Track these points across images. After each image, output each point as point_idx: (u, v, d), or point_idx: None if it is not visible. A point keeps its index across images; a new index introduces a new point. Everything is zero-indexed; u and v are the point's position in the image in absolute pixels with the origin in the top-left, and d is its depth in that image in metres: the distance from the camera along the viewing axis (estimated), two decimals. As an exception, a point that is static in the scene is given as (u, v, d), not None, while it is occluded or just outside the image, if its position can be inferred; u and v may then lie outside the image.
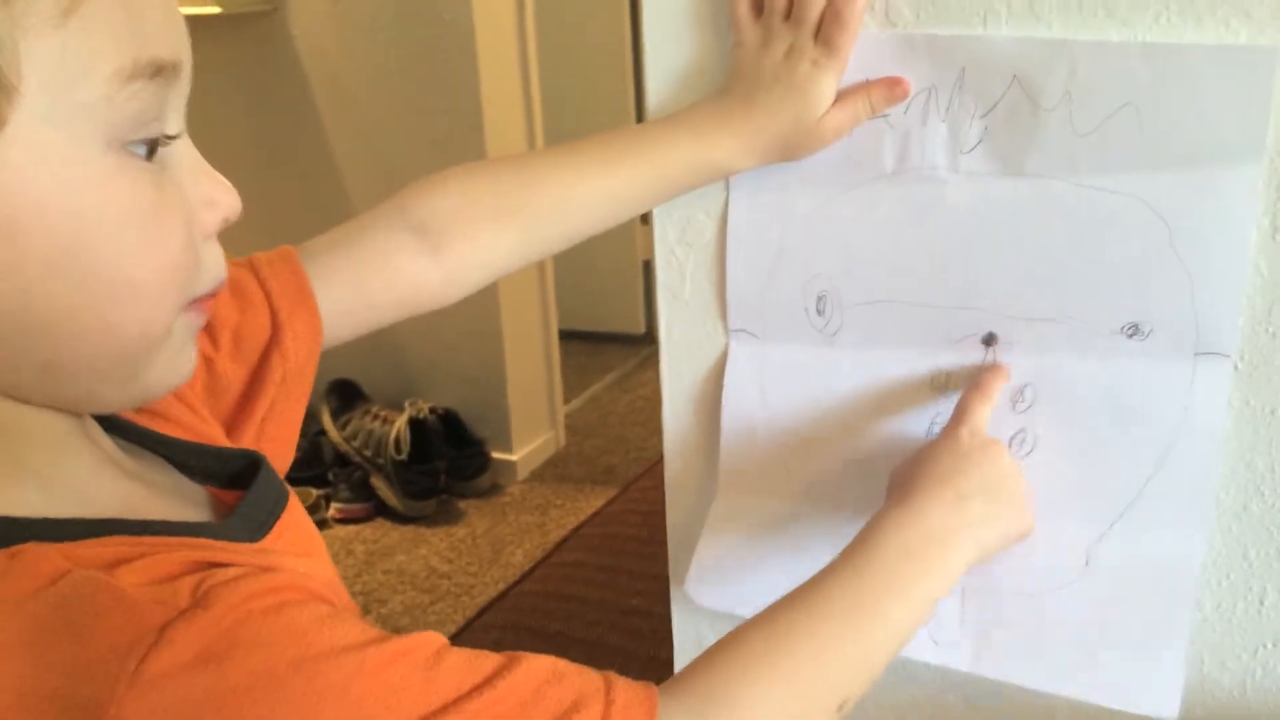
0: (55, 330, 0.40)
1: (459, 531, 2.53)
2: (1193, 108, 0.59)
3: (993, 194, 0.65)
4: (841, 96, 0.66)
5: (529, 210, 0.66)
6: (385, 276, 0.64)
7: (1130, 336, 0.64)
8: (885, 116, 0.67)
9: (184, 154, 0.44)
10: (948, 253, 0.67)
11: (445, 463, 2.61)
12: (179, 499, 0.51)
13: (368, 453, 2.56)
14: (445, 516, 2.59)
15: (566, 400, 3.14)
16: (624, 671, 1.37)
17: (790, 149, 0.67)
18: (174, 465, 0.54)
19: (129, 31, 0.40)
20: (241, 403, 0.60)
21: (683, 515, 0.81)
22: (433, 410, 2.67)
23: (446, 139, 2.62)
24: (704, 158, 0.67)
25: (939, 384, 0.69)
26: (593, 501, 2.60)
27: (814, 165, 0.69)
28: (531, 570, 1.64)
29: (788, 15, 0.65)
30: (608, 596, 1.54)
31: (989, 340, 0.67)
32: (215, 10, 2.46)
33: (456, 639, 1.47)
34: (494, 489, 2.74)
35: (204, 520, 0.50)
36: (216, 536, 0.46)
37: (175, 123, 0.43)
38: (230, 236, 0.48)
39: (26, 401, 0.43)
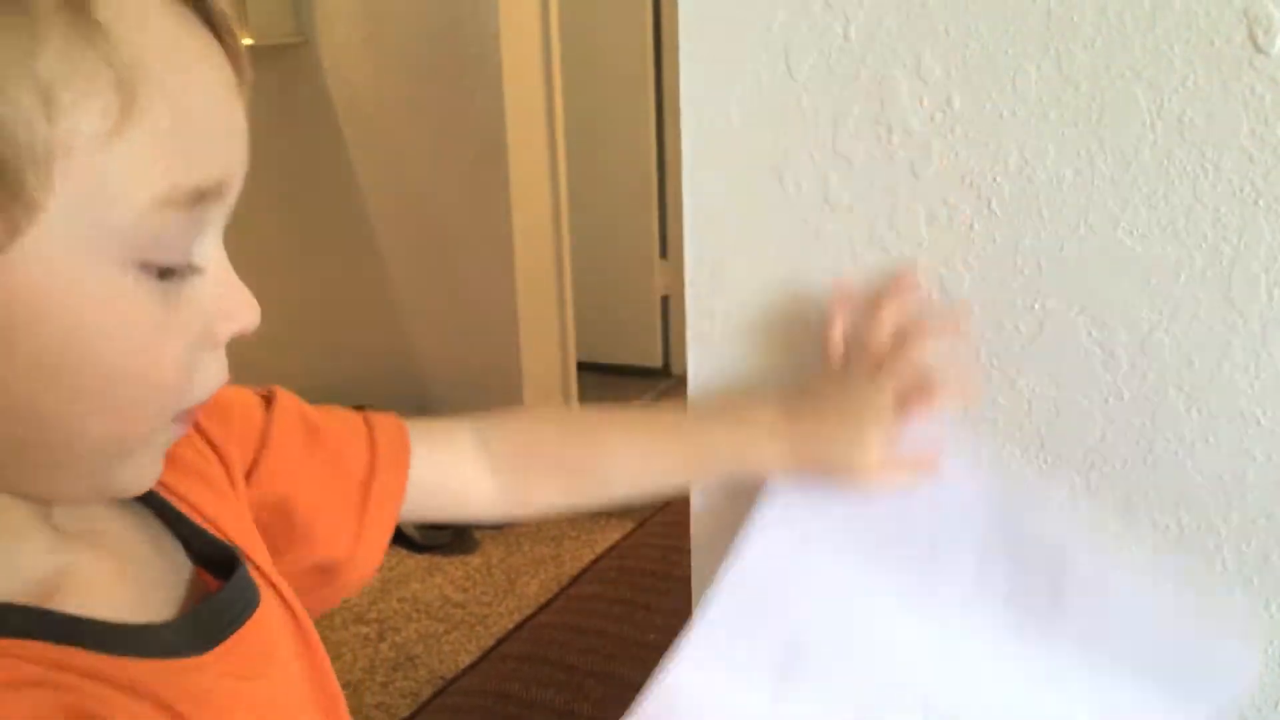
0: (26, 418, 0.39)
1: (474, 561, 2.54)
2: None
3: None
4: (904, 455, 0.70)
5: (582, 471, 0.72)
6: (447, 473, 0.69)
7: None
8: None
9: (213, 261, 0.42)
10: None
11: (462, 492, 2.62)
12: (145, 581, 0.49)
13: (385, 480, 2.57)
14: (460, 546, 2.60)
15: (583, 432, 3.15)
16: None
17: (833, 472, 0.70)
18: (174, 533, 0.52)
19: (178, 154, 0.38)
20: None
21: (708, 557, 0.82)
22: (451, 439, 2.69)
23: (472, 170, 2.66)
24: (744, 457, 0.72)
25: None
26: (607, 534, 2.60)
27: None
28: (549, 602, 1.65)
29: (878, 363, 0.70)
30: (625, 630, 1.54)
31: None
32: (247, 41, 2.50)
33: (474, 669, 1.48)
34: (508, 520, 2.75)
35: (148, 620, 0.46)
36: (119, 647, 0.43)
37: (207, 244, 0.41)
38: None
39: None
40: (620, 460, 0.72)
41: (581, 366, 3.07)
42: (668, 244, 3.74)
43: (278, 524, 0.62)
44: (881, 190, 0.71)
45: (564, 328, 2.93)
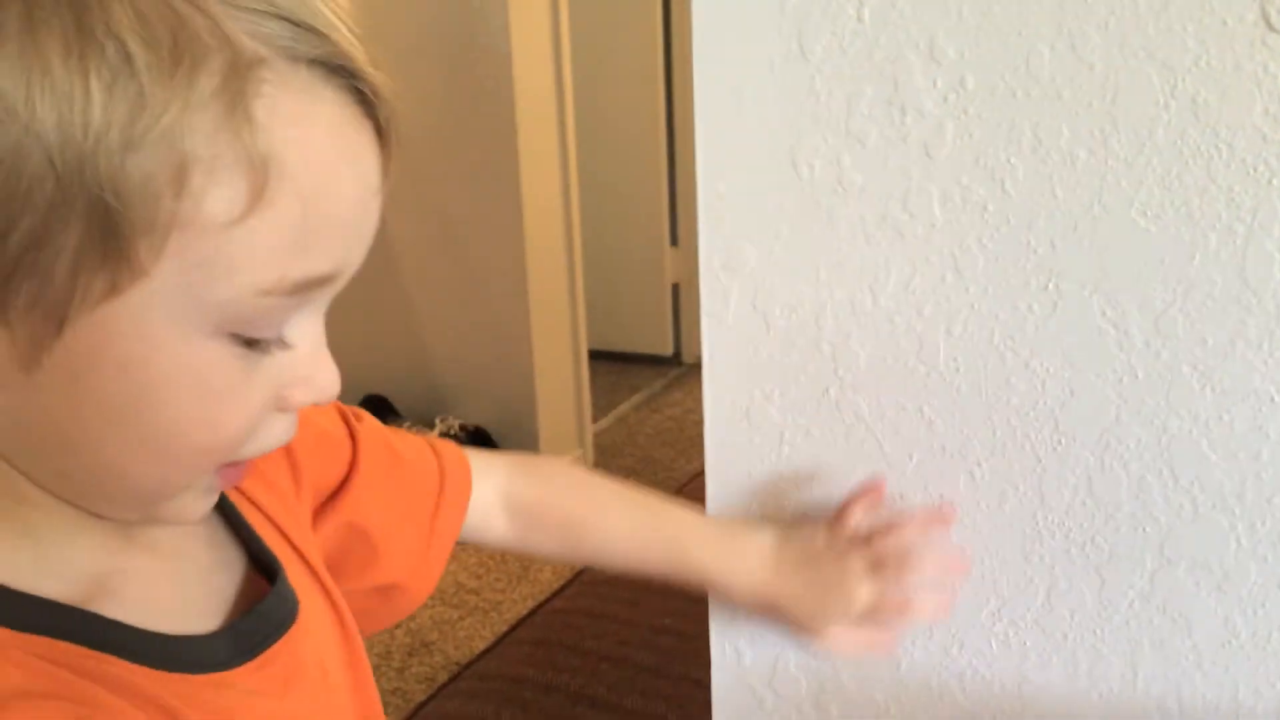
0: (81, 454, 0.39)
1: (488, 549, 2.55)
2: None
3: None
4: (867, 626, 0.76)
5: (580, 537, 0.78)
6: (475, 506, 0.74)
7: None
8: None
9: (306, 336, 0.41)
10: None
11: (475, 479, 2.64)
12: (195, 584, 0.49)
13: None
14: (474, 533, 2.62)
15: (595, 419, 3.16)
16: (657, 691, 1.40)
17: (790, 627, 0.78)
18: (235, 534, 0.52)
19: (296, 247, 0.38)
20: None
21: (722, 535, 0.83)
22: (463, 427, 2.70)
23: (482, 159, 2.66)
24: (719, 583, 0.78)
25: None
26: (620, 521, 2.62)
27: None
28: (563, 588, 1.66)
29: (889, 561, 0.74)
30: (637, 616, 1.55)
31: None
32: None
33: (489, 654, 1.49)
34: (522, 507, 2.76)
35: (190, 628, 0.46)
36: (156, 660, 0.43)
37: (303, 322, 0.41)
38: None
39: (42, 489, 0.41)
40: (614, 538, 0.78)
41: (593, 355, 3.08)
42: (678, 232, 3.74)
43: (356, 547, 0.63)
44: (895, 171, 0.71)
45: (575, 316, 2.93)
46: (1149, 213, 0.65)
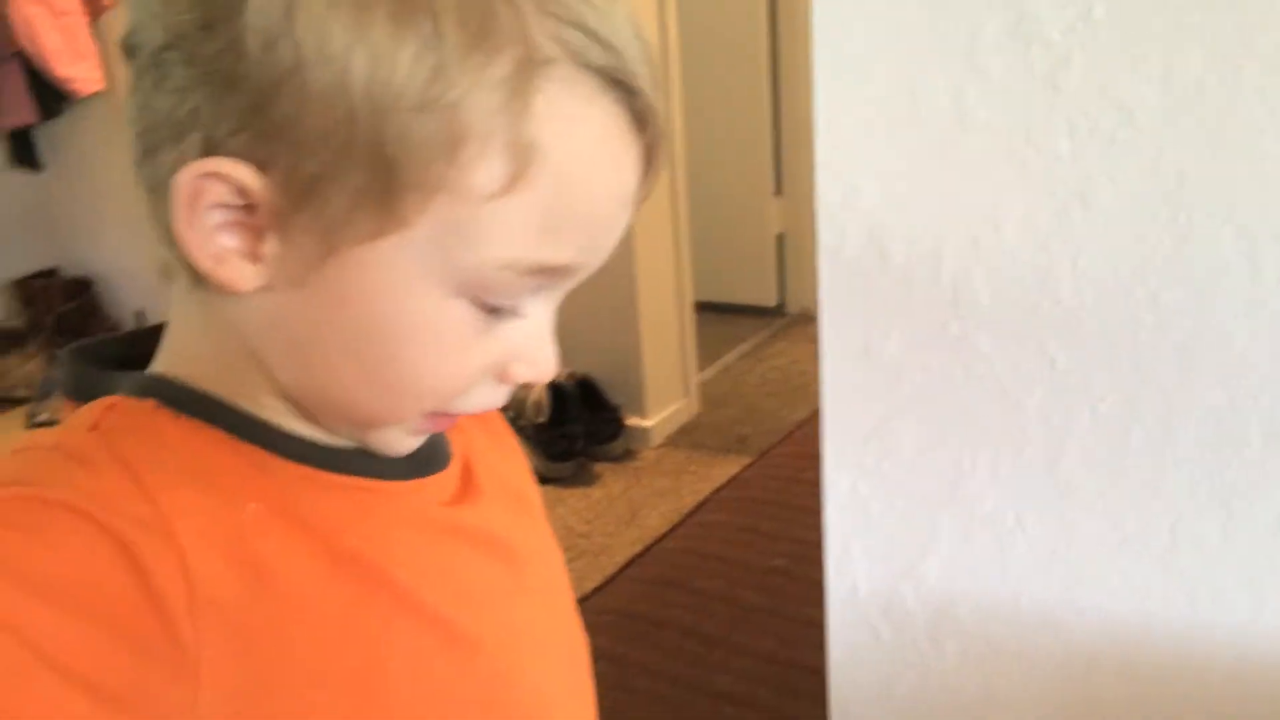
0: (318, 374, 0.43)
1: (595, 493, 2.60)
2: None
3: None
4: None
5: None
6: None
7: None
8: None
9: (530, 316, 0.44)
10: None
11: (582, 427, 2.68)
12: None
13: (509, 415, 2.64)
14: (582, 478, 2.65)
15: (700, 369, 3.17)
16: (767, 628, 1.41)
17: None
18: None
19: (542, 234, 0.40)
20: None
21: (845, 474, 0.84)
22: (570, 376, 2.74)
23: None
24: None
25: None
26: (726, 469, 2.63)
27: None
28: (673, 528, 1.68)
29: None
30: (747, 556, 1.57)
31: None
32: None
33: (599, 592, 1.52)
34: (628, 454, 2.79)
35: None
36: (307, 458, 0.46)
37: (538, 302, 0.44)
38: None
39: (284, 387, 0.44)
40: None
41: (698, 306, 3.09)
42: (782, 181, 3.71)
43: None
44: (1019, 104, 0.71)
45: (680, 266, 2.94)
46: (1288, 141, 0.64)
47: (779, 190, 3.72)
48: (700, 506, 1.74)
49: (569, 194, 0.39)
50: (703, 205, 3.25)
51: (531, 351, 0.44)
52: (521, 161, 0.38)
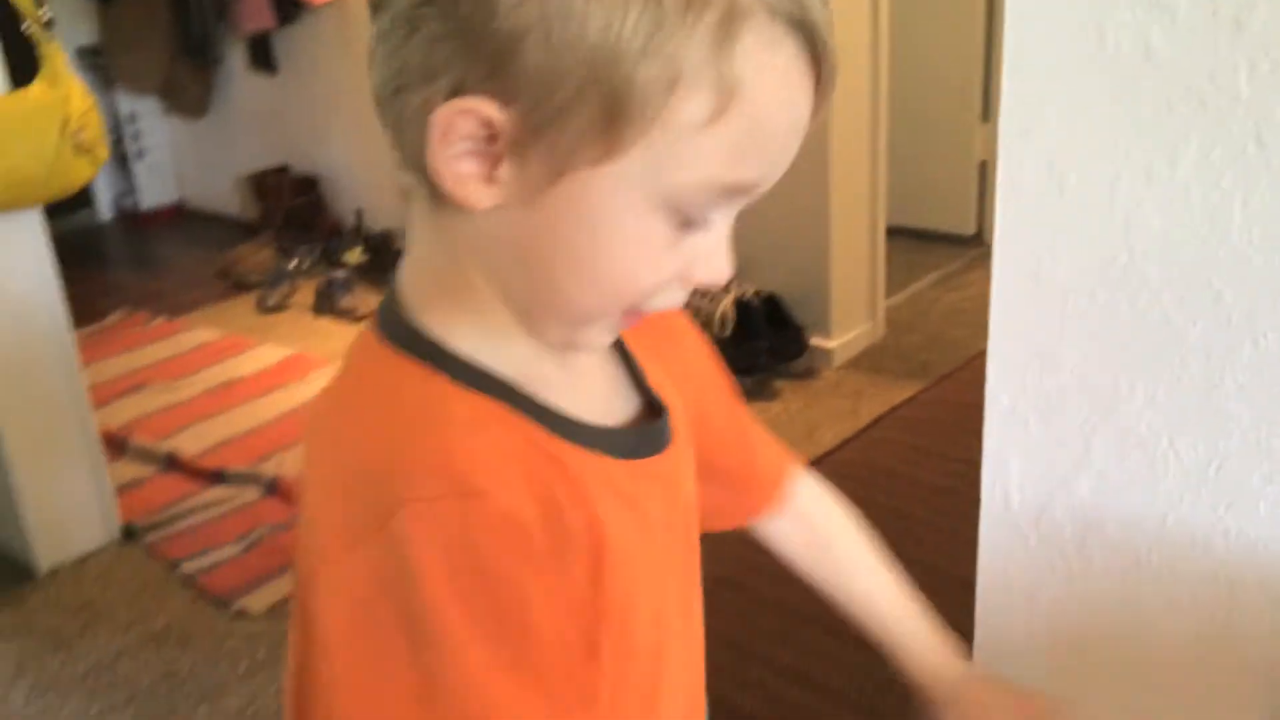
0: (545, 284, 0.51)
1: (774, 408, 2.68)
2: None
3: None
4: None
5: (823, 578, 0.81)
6: (760, 484, 0.78)
7: None
8: None
9: (716, 228, 0.51)
10: None
11: (766, 343, 2.75)
12: (599, 393, 0.59)
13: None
14: (763, 393, 2.73)
15: (888, 295, 3.17)
16: (933, 543, 1.48)
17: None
18: (629, 374, 0.62)
19: (734, 158, 0.47)
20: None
21: (1006, 391, 0.89)
22: (757, 293, 2.80)
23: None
24: (911, 658, 0.79)
25: None
26: (905, 394, 2.66)
27: None
28: (845, 443, 1.75)
29: None
30: (917, 474, 1.63)
31: None
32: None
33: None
34: (810, 373, 2.85)
35: (597, 419, 0.57)
36: (568, 434, 0.54)
37: (721, 215, 0.51)
38: None
39: (506, 298, 0.53)
40: (848, 595, 0.81)
41: (893, 230, 3.08)
42: (990, 107, 3.62)
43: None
44: (1203, 44, 0.73)
45: (876, 189, 2.94)
46: None
47: (986, 116, 3.63)
48: (875, 423, 1.80)
49: (758, 124, 0.47)
50: (906, 128, 3.22)
51: (711, 258, 0.52)
52: (724, 98, 0.45)
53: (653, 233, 0.49)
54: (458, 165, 0.48)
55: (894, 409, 1.84)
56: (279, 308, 3.51)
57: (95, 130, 2.04)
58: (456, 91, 0.46)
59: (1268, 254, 0.75)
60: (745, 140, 0.47)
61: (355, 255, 3.73)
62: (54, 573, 2.17)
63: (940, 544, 1.40)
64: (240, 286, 3.70)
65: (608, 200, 0.48)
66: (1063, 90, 0.80)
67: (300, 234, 3.85)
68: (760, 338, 2.74)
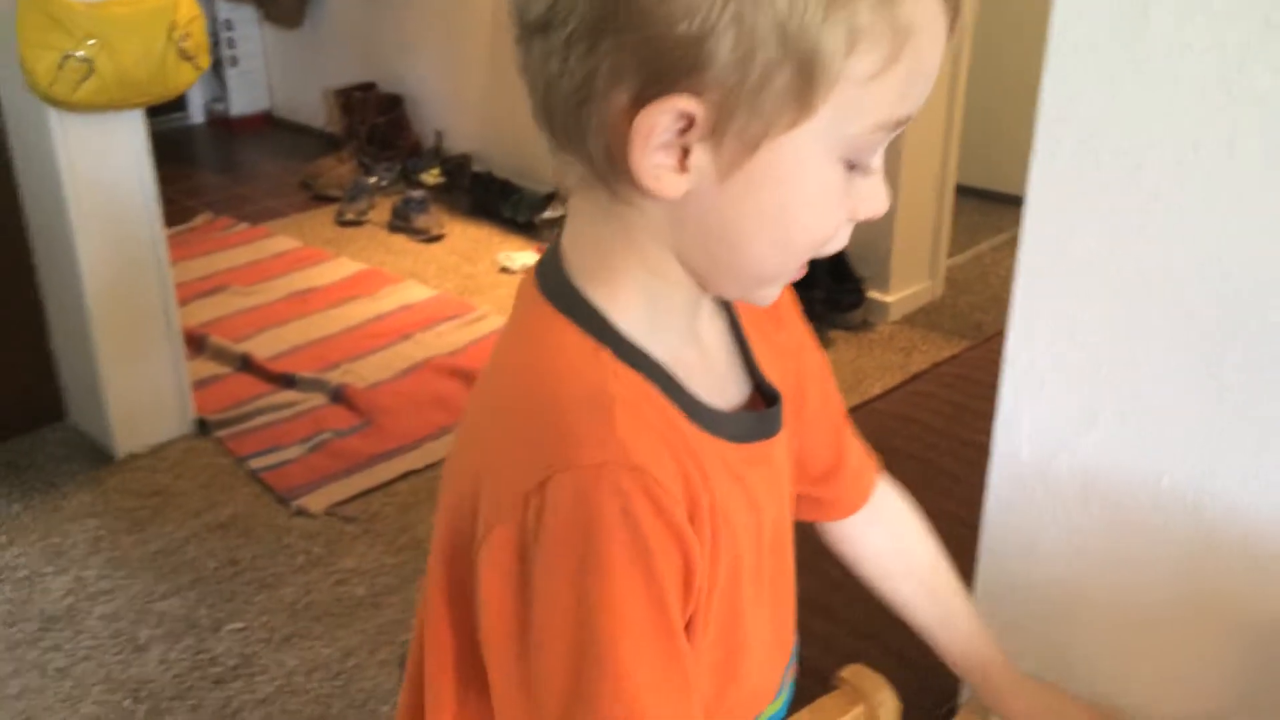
0: (736, 246, 0.54)
1: (827, 357, 2.74)
2: None
3: None
4: None
5: (917, 603, 0.84)
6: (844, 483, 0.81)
7: None
8: None
9: (875, 165, 0.55)
10: None
11: (823, 292, 2.80)
12: (719, 377, 0.63)
13: (757, 271, 2.79)
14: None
15: (951, 254, 3.19)
16: (953, 492, 1.54)
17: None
18: (745, 358, 0.66)
19: (901, 96, 0.52)
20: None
21: (1025, 350, 0.95)
22: (821, 243, 2.85)
23: None
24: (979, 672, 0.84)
25: None
26: (955, 352, 2.70)
27: None
28: (886, 392, 1.81)
29: None
30: (951, 427, 1.69)
31: None
32: None
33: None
34: (865, 325, 2.90)
35: (719, 403, 0.61)
36: (699, 419, 0.57)
37: (879, 154, 0.55)
38: None
39: (687, 270, 0.57)
40: (916, 608, 0.84)
41: (960, 189, 3.09)
42: (1074, 72, 3.57)
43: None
44: (1236, 37, 0.77)
45: (948, 146, 2.95)
46: None
47: (1067, 81, 3.59)
48: (917, 377, 1.85)
49: (919, 63, 0.52)
50: (983, 87, 3.21)
51: (876, 192, 0.57)
52: (897, 45, 0.50)
53: (833, 181, 0.53)
54: (655, 160, 0.51)
55: (937, 365, 1.89)
56: (356, 222, 3.63)
57: (199, 38, 2.14)
58: (649, 93, 0.49)
59: (1273, 235, 0.79)
60: (909, 79, 0.52)
61: (433, 176, 3.82)
62: (131, 458, 2.33)
63: (965, 495, 1.46)
64: (320, 198, 3.81)
65: (799, 161, 0.52)
66: (1102, 71, 0.85)
67: (381, 151, 3.95)
68: (818, 286, 2.79)
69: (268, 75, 4.66)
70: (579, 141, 0.53)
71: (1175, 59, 0.81)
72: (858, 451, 0.81)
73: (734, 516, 0.59)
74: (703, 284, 0.58)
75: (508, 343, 0.60)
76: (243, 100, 4.60)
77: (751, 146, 0.51)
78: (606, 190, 0.55)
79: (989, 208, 3.62)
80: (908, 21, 0.50)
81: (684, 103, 0.49)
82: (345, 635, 1.84)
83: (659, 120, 0.50)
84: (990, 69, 3.30)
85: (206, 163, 4.47)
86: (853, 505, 0.81)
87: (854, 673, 0.84)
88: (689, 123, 0.50)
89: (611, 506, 0.50)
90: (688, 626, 0.56)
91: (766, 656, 0.68)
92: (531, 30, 0.52)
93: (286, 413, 2.47)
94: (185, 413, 2.40)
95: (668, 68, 0.49)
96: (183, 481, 2.26)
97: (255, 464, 2.28)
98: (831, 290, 2.82)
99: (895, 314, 2.95)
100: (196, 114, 4.66)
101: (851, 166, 0.54)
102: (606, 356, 0.55)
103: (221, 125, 4.63)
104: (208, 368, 2.65)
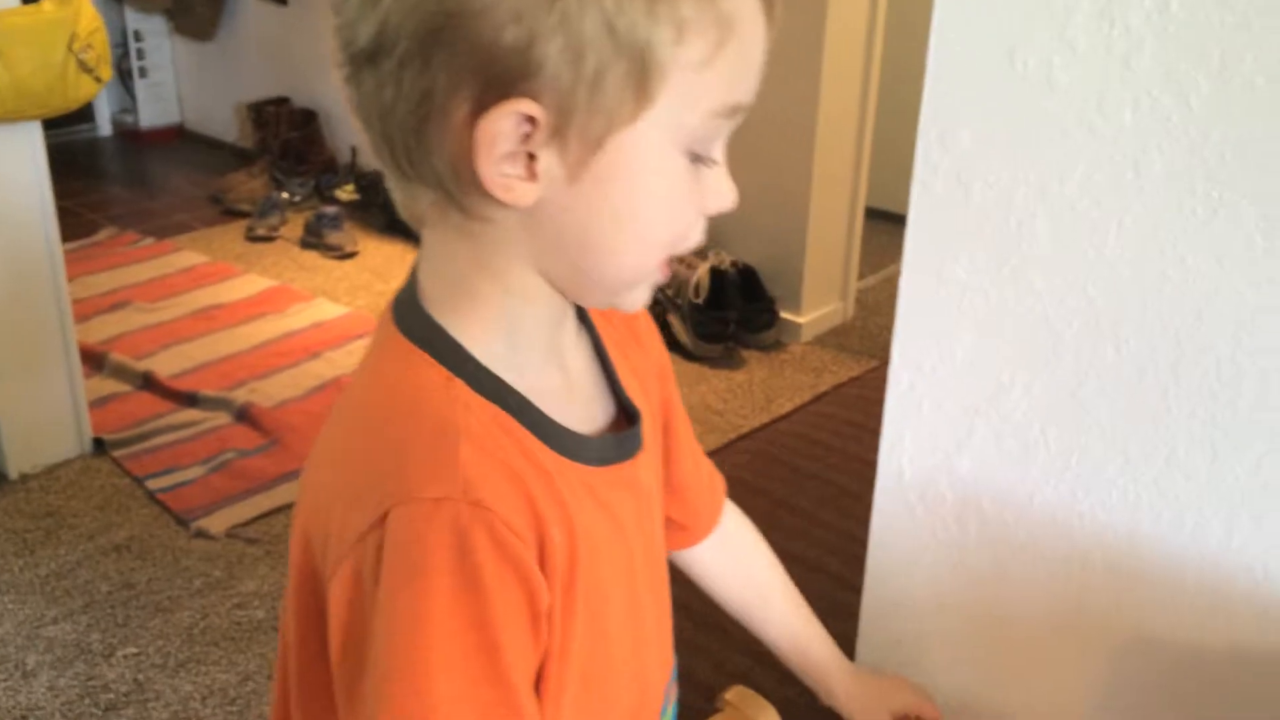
0: (593, 248, 0.55)
1: (738, 376, 2.76)
2: None
3: None
4: None
5: (744, 603, 0.88)
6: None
7: None
8: None
9: (718, 157, 0.57)
10: None
11: (737, 313, 2.83)
12: (583, 399, 0.64)
13: (669, 292, 2.82)
14: (728, 362, 2.82)
15: (861, 276, 3.25)
16: (852, 511, 1.58)
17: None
18: (607, 377, 0.66)
19: (733, 82, 0.53)
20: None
21: (906, 373, 0.98)
22: (733, 263, 2.88)
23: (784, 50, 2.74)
24: (819, 681, 0.89)
25: None
26: (863, 368, 2.75)
27: None
28: (788, 414, 1.84)
29: None
30: (851, 447, 1.72)
31: None
32: None
33: (715, 455, 1.71)
34: (777, 345, 2.93)
35: (582, 425, 0.61)
36: (559, 445, 0.58)
37: (720, 144, 0.57)
38: None
39: (549, 281, 0.57)
40: (765, 623, 0.89)
41: (873, 213, 3.15)
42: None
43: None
44: (1096, 76, 0.81)
45: (858, 169, 3.00)
46: (1317, 140, 0.73)
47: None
48: (819, 399, 1.89)
49: (744, 48, 0.54)
50: (892, 112, 3.28)
51: (721, 186, 0.58)
52: (722, 33, 0.52)
53: (679, 174, 0.54)
54: (502, 169, 0.51)
55: (839, 386, 1.93)
56: (267, 238, 3.58)
57: (101, 50, 2.10)
58: (487, 100, 0.50)
59: (1136, 268, 0.83)
60: (737, 67, 0.53)
61: (347, 192, 3.78)
62: (24, 479, 2.26)
63: (863, 514, 1.50)
64: (231, 213, 3.75)
65: (644, 154, 0.53)
66: (975, 107, 0.88)
67: (295, 166, 3.90)
68: (732, 307, 2.82)
69: (178, 87, 4.57)
70: (424, 164, 0.53)
71: (1040, 97, 0.84)
72: (713, 474, 0.83)
73: (599, 543, 0.59)
74: (567, 294, 0.59)
75: (360, 379, 0.60)
76: (152, 112, 4.51)
77: (595, 144, 0.52)
78: (459, 211, 0.55)
79: (898, 230, 3.66)
80: (729, 12, 0.51)
81: (523, 106, 0.50)
82: (243, 660, 1.81)
83: (500, 126, 0.50)
84: (899, 95, 3.38)
85: (113, 176, 4.36)
86: (709, 527, 0.83)
87: (738, 694, 0.86)
88: (532, 127, 0.51)
89: (445, 540, 0.50)
90: (546, 661, 0.56)
91: (644, 678, 0.69)
92: (360, 62, 0.53)
93: (188, 432, 2.43)
94: (82, 432, 2.34)
95: (501, 74, 0.49)
96: (77, 503, 2.20)
97: (154, 484, 2.23)
98: (744, 310, 2.85)
99: (807, 334, 3.00)
100: (104, 126, 4.55)
101: (696, 158, 0.55)
102: (459, 388, 0.55)
103: (130, 138, 4.53)
104: (107, 386, 2.58)
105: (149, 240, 3.51)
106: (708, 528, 0.83)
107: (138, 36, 4.37)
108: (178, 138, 4.57)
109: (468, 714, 0.51)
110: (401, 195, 0.57)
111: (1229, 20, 0.74)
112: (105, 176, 4.30)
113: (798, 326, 2.97)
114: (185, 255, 3.40)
